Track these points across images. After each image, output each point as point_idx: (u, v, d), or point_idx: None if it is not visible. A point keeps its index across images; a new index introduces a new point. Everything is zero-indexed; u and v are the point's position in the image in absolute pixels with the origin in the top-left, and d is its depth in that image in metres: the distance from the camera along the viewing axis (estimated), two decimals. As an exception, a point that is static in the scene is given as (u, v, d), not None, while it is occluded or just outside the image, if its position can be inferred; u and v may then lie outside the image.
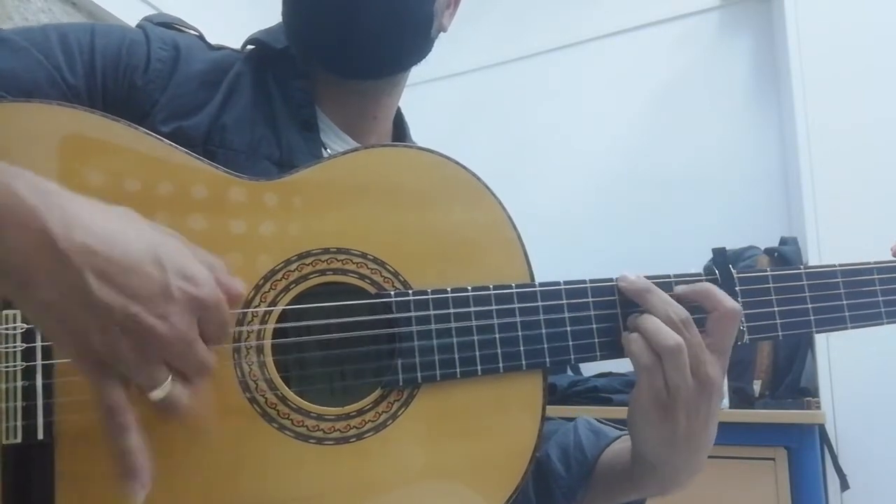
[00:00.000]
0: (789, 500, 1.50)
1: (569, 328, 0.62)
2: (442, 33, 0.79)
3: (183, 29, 0.76)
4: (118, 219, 0.44)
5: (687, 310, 0.61)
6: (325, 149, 0.75)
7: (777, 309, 0.65)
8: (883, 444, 1.60)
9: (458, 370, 0.59)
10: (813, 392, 1.70)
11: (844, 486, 1.56)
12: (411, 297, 0.59)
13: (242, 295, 0.49)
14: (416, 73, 0.81)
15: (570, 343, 0.62)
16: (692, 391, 0.59)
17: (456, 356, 0.59)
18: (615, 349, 0.63)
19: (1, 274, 0.41)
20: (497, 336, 0.60)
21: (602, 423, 0.81)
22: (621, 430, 0.77)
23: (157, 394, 0.44)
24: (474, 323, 0.60)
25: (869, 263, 0.68)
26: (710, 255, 0.67)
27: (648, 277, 0.64)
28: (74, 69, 0.63)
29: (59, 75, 0.62)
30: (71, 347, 0.43)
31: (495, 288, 0.61)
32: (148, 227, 0.45)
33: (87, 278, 0.41)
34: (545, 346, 0.61)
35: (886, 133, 1.70)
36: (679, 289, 0.63)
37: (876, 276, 0.68)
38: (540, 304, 0.62)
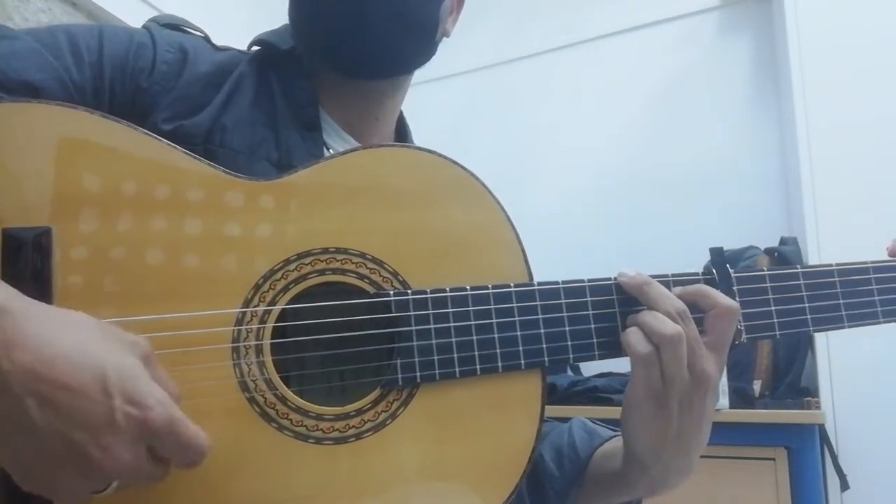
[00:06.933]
0: (789, 500, 1.50)
1: (567, 328, 0.62)
2: None
3: (188, 30, 0.76)
4: (71, 336, 0.42)
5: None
6: (328, 149, 0.75)
7: (774, 308, 0.65)
8: (883, 444, 1.60)
9: (456, 370, 0.59)
10: (813, 392, 1.70)
11: (844, 486, 1.56)
12: (410, 297, 0.59)
13: (203, 445, 0.45)
14: (417, 73, 0.81)
15: (569, 343, 0.62)
16: (687, 385, 0.59)
17: (455, 356, 0.59)
18: (614, 349, 0.63)
19: None
20: (496, 336, 0.60)
21: (597, 423, 0.80)
22: (615, 430, 0.76)
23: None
24: (473, 322, 0.60)
25: (866, 263, 0.68)
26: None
27: (647, 277, 0.64)
28: (83, 71, 0.64)
29: (67, 76, 0.63)
30: (15, 473, 0.42)
31: (494, 287, 0.61)
32: (102, 344, 0.43)
33: (28, 404, 0.39)
34: (544, 345, 0.61)
35: (886, 133, 1.70)
36: (676, 290, 0.63)
37: (872, 276, 0.68)
38: (538, 303, 0.62)
